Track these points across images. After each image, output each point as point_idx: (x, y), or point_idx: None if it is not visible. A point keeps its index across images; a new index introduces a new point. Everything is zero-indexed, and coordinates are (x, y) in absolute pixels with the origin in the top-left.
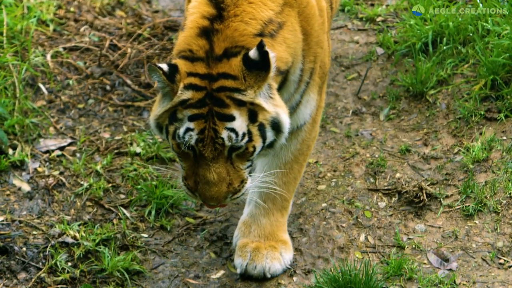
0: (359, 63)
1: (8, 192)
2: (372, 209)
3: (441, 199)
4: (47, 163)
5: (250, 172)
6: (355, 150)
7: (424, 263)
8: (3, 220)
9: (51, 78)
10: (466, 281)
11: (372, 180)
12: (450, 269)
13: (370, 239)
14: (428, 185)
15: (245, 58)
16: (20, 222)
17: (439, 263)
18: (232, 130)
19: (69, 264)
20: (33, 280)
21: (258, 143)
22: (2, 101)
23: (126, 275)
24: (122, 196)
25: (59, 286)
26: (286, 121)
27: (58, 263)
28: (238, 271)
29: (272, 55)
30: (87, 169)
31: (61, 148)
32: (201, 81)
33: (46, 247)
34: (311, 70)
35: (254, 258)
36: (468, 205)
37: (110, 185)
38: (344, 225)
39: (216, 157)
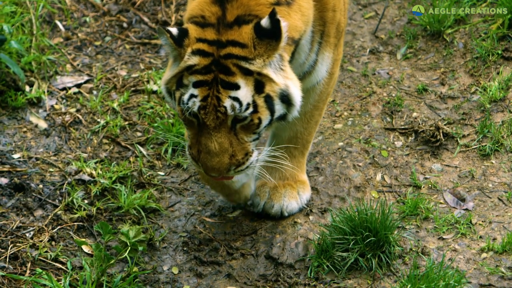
0: (377, 2)
1: (24, 129)
2: (389, 149)
3: (458, 139)
4: (64, 100)
5: (256, 145)
6: (372, 89)
7: (440, 203)
8: (19, 157)
9: (68, 15)
10: (482, 221)
11: (388, 119)
12: (466, 209)
13: (386, 179)
14: (445, 125)
15: (256, 26)
16: (37, 159)
17: (455, 202)
18: (236, 99)
19: (86, 201)
20: (49, 217)
21: (264, 115)
22: (19, 38)
23: (142, 213)
24: (139, 134)
25: (75, 223)
26: (296, 94)
27: (74, 200)
28: (256, 210)
29: (284, 24)
30: (104, 107)
31: (78, 86)
32: (209, 47)
33: (63, 184)
34: (321, 32)
35: (272, 197)
36: (485, 145)
37: (126, 122)
38: (360, 164)
39: (219, 126)
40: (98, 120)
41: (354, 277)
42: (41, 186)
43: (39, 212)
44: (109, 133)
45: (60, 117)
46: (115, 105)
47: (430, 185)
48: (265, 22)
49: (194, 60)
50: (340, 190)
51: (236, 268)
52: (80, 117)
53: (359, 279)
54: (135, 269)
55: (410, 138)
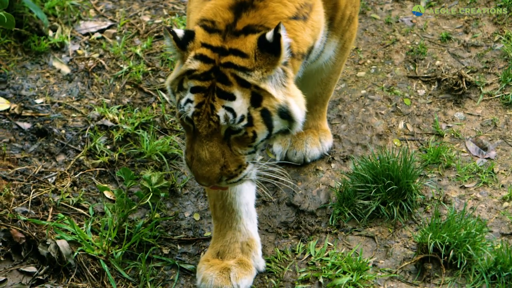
0: None
1: (47, 74)
2: (412, 97)
3: (481, 87)
4: (87, 46)
5: (254, 159)
6: (395, 37)
7: (463, 152)
8: (42, 102)
9: None
10: (504, 170)
11: (411, 67)
12: (489, 158)
13: (409, 127)
14: (468, 73)
15: (260, 37)
16: (60, 104)
17: (477, 151)
18: (230, 109)
19: (108, 147)
20: (71, 162)
21: (260, 129)
22: None
23: (165, 159)
24: (161, 80)
25: (97, 169)
26: (298, 112)
27: (97, 146)
28: (278, 158)
29: (286, 40)
30: (127, 52)
31: (101, 31)
32: (212, 53)
33: (85, 130)
34: (330, 22)
35: (294, 145)
36: (508, 94)
37: (149, 68)
38: (383, 112)
39: (211, 135)
40: (121, 65)
41: (376, 225)
42: (63, 131)
43: (61, 157)
44: (131, 79)
45: (83, 63)
46: (138, 50)
47: (452, 134)
48: (269, 35)
49: (195, 65)
50: (362, 138)
51: (257, 215)
52: (103, 62)
53: (381, 227)
54: (157, 215)
55: (433, 86)
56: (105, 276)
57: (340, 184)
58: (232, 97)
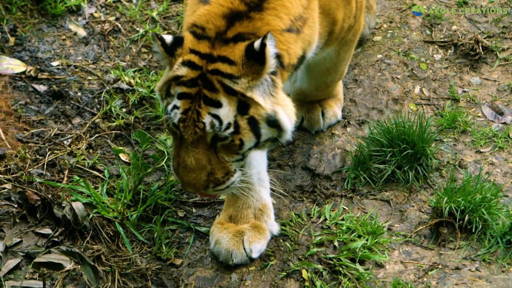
0: None
1: (64, 37)
2: (428, 61)
3: (497, 52)
4: (103, 9)
5: (242, 166)
6: (412, 1)
7: (479, 116)
8: (58, 65)
9: None
10: None
11: (428, 32)
12: (504, 123)
13: (425, 91)
14: (485, 38)
15: (248, 45)
16: (76, 67)
17: (493, 116)
18: (216, 117)
19: (124, 110)
20: (87, 125)
21: (247, 137)
22: None
23: None
24: None
25: (113, 131)
26: (286, 121)
27: (112, 108)
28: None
29: (272, 50)
30: (143, 16)
31: None
32: (200, 60)
33: (101, 92)
34: (328, 35)
35: (310, 115)
36: None
37: (165, 32)
38: (399, 76)
39: (196, 142)
40: (137, 29)
41: (391, 189)
42: (79, 94)
43: (77, 120)
44: (148, 42)
45: (99, 26)
46: (154, 14)
47: (468, 99)
48: (257, 44)
49: (183, 71)
50: (378, 102)
51: (272, 179)
52: (119, 25)
53: (396, 191)
54: (172, 178)
55: (449, 51)
56: (120, 238)
57: (356, 148)
58: (219, 104)
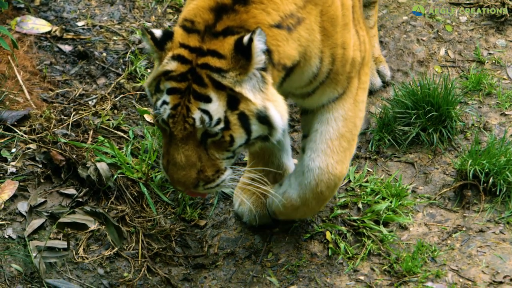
0: None
1: None
2: (453, 23)
3: None
4: None
5: (233, 163)
6: None
7: (504, 79)
8: (83, 25)
9: None
10: None
11: None
12: None
13: (450, 53)
14: (511, 0)
15: (238, 39)
16: (101, 27)
17: None
18: (206, 112)
19: (149, 70)
20: (112, 85)
21: (237, 133)
22: None
23: None
24: None
25: (138, 92)
26: (276, 117)
27: (137, 69)
28: None
29: (260, 46)
30: None
31: None
32: (189, 54)
33: (126, 53)
34: (328, 70)
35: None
36: None
37: None
38: (424, 38)
39: (186, 138)
40: None
41: (415, 152)
42: (104, 54)
43: (102, 80)
44: (173, 2)
45: None
46: None
47: (493, 61)
48: (246, 38)
49: (172, 65)
50: (403, 64)
51: (295, 140)
52: None
53: (420, 153)
54: None
55: (475, 13)
56: (145, 199)
57: (380, 110)
58: (208, 99)
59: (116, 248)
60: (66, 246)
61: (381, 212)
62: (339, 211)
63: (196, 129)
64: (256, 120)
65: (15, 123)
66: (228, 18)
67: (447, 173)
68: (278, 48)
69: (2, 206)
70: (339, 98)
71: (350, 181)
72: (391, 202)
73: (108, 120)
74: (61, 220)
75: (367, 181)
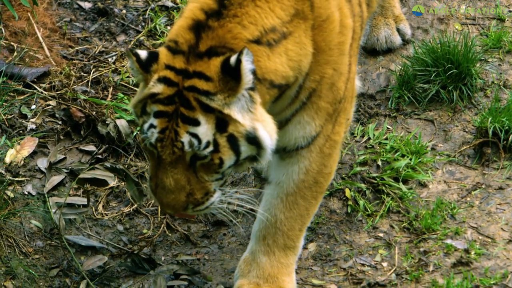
0: None
1: None
2: None
3: None
4: None
5: (221, 185)
6: None
7: None
8: None
9: None
10: None
11: None
12: None
13: (470, 11)
14: None
15: (224, 61)
16: None
17: None
18: (195, 135)
19: (168, 28)
20: (132, 42)
21: (227, 155)
22: None
23: None
24: None
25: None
26: (266, 138)
27: (157, 26)
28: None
29: (248, 67)
30: None
31: None
32: (175, 76)
33: (146, 10)
34: (311, 90)
35: None
36: None
37: None
38: None
39: (175, 162)
40: None
41: (435, 109)
42: (124, 11)
43: (121, 37)
44: None
45: None
46: None
47: None
48: (233, 59)
49: (159, 88)
50: (423, 21)
51: None
52: None
53: (440, 111)
54: None
55: None
56: None
57: (400, 67)
58: (196, 123)
59: (136, 205)
60: (85, 203)
61: (400, 170)
62: (358, 169)
63: (185, 153)
64: (245, 141)
65: (35, 80)
66: (208, 37)
67: (466, 130)
68: (259, 63)
69: (22, 162)
70: (308, 146)
71: (369, 138)
72: (410, 159)
73: (128, 77)
74: (81, 176)
75: (386, 139)
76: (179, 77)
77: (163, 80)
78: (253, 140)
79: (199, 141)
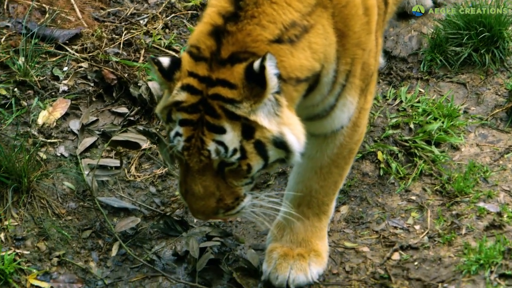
0: None
1: None
2: None
3: None
4: None
5: (252, 189)
6: None
7: None
8: None
9: None
10: None
11: None
12: None
13: None
14: None
15: (248, 67)
16: None
17: None
18: (221, 143)
19: None
20: (163, 5)
21: (254, 161)
22: None
23: None
24: None
25: (189, 12)
26: (294, 142)
27: None
28: (262, 277)
29: (272, 72)
30: None
31: None
32: (199, 84)
33: None
34: (347, 72)
35: (278, 267)
36: None
37: None
38: None
39: (203, 169)
40: None
41: (467, 72)
42: None
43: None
44: None
45: None
46: None
47: None
48: (256, 65)
49: (182, 96)
50: None
51: None
52: None
53: (472, 74)
54: None
55: None
56: None
57: (432, 30)
58: (222, 131)
59: (168, 168)
60: (118, 165)
61: (432, 133)
62: (390, 131)
63: (212, 160)
64: (272, 146)
65: (67, 41)
66: (228, 43)
67: (499, 93)
68: (283, 63)
69: (54, 124)
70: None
71: (401, 101)
72: (442, 122)
73: (160, 39)
74: (114, 138)
75: (418, 102)
76: (203, 85)
77: (186, 88)
78: (281, 144)
79: (226, 148)
